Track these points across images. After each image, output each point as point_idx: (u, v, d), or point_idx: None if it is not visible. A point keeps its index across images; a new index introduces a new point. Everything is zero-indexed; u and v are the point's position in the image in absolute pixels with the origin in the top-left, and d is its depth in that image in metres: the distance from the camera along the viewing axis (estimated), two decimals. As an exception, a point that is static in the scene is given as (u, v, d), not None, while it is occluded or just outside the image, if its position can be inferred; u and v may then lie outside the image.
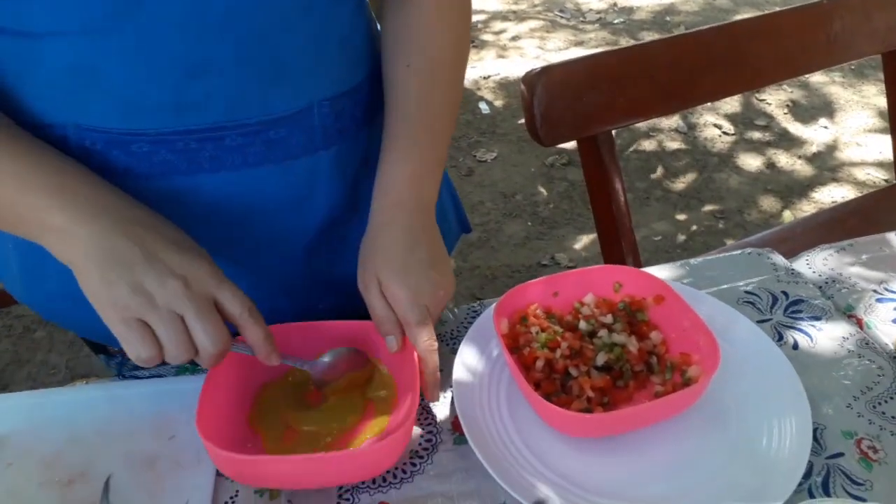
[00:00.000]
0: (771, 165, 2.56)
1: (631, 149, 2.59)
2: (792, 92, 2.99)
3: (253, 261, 0.73)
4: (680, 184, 2.46)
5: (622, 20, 3.67)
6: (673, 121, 2.77)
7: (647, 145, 2.64)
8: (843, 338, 0.70)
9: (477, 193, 2.37)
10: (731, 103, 2.89)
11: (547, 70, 1.13)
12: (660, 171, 2.52)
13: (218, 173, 0.65)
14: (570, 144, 2.58)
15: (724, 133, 2.73)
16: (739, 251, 0.83)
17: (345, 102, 0.70)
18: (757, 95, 2.95)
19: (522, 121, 2.76)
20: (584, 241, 2.19)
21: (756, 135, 2.73)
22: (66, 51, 0.58)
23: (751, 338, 0.68)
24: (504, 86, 3.03)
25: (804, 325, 0.72)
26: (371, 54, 0.74)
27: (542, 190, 2.41)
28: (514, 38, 3.47)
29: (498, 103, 2.91)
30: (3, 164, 0.56)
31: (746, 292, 0.76)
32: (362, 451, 0.55)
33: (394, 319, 0.63)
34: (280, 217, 0.70)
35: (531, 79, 1.12)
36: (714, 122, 2.78)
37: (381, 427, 0.62)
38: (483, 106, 2.87)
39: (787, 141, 2.70)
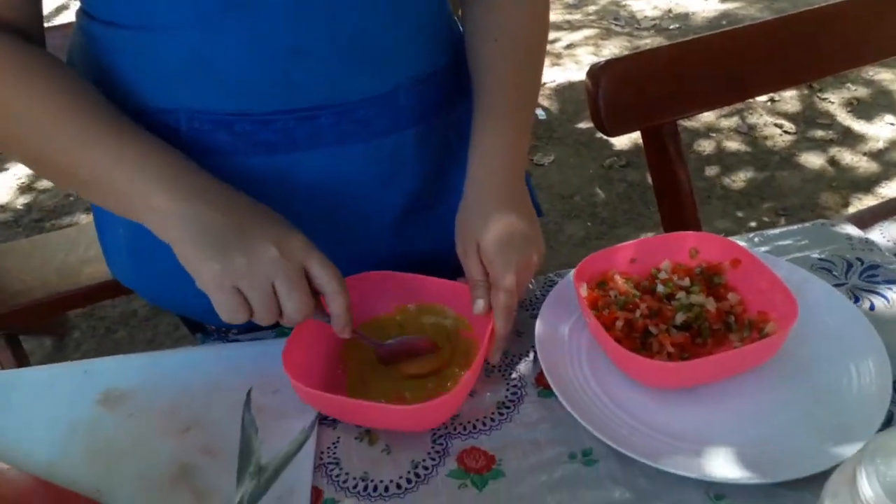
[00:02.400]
0: (834, 163, 2.52)
1: (690, 148, 2.58)
2: (856, 90, 2.93)
3: (342, 236, 0.77)
4: (741, 182, 2.44)
5: (677, 26, 3.66)
6: (732, 121, 2.75)
7: (707, 145, 2.63)
8: (922, 299, 0.71)
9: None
10: (792, 102, 2.85)
11: (611, 63, 1.16)
12: (720, 170, 2.50)
13: (313, 151, 0.70)
14: (629, 146, 2.59)
15: (786, 132, 2.69)
16: (811, 223, 0.84)
17: (427, 85, 0.74)
18: (819, 94, 2.90)
19: (579, 125, 2.79)
20: (644, 240, 2.19)
21: (819, 133, 2.68)
22: (181, 42, 0.65)
23: (827, 298, 0.69)
24: (559, 92, 3.05)
25: (881, 288, 0.73)
26: (451, 43, 0.79)
27: (601, 191, 2.43)
28: (569, 47, 3.50)
29: (554, 109, 2.93)
30: (110, 146, 0.62)
31: (820, 259, 0.78)
32: (412, 408, 0.59)
33: (486, 285, 0.66)
34: (369, 193, 0.75)
35: (596, 72, 1.15)
36: (774, 121, 2.75)
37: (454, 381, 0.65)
38: (539, 112, 2.90)
39: (851, 138, 2.65)
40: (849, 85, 2.96)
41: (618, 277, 0.71)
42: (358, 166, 0.73)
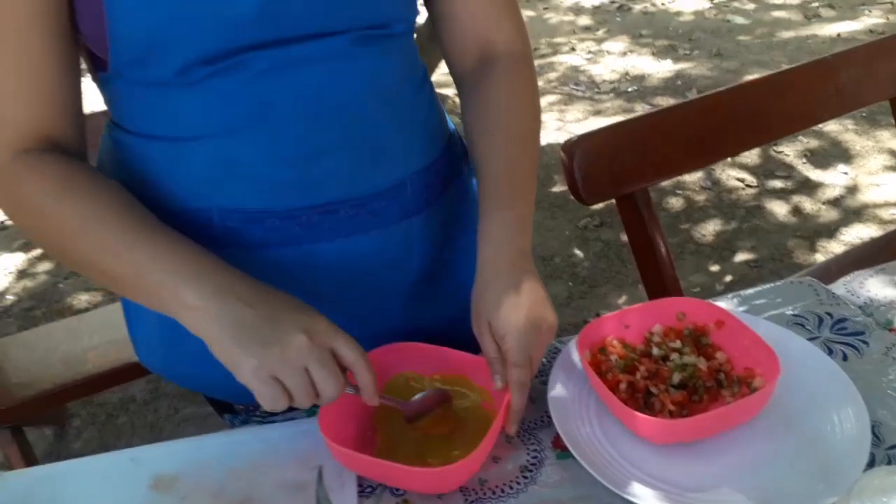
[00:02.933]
0: (797, 212, 2.66)
1: (660, 206, 2.71)
2: (808, 142, 3.11)
3: (359, 314, 0.84)
4: (710, 236, 2.56)
5: (635, 88, 3.85)
6: (696, 177, 2.90)
7: (675, 202, 2.76)
8: (887, 348, 0.79)
9: (517, 259, 2.49)
10: (751, 157, 3.01)
11: (584, 137, 1.26)
12: (690, 225, 2.63)
13: (334, 241, 0.78)
14: (601, 206, 2.70)
15: (748, 186, 2.84)
16: (782, 282, 0.93)
17: (429, 173, 0.83)
18: (774, 148, 3.07)
19: (553, 188, 2.91)
20: (626, 297, 2.28)
21: (778, 184, 2.84)
22: (210, 150, 0.73)
23: (805, 352, 0.77)
24: (531, 157, 3.18)
25: (850, 339, 0.81)
26: (444, 134, 0.88)
27: (579, 251, 2.53)
28: (535, 113, 3.65)
29: (527, 174, 3.05)
30: (142, 249, 0.68)
31: (794, 315, 0.86)
32: (427, 471, 0.67)
33: (501, 360, 0.72)
34: (382, 274, 0.82)
35: (570, 146, 1.25)
36: (736, 175, 2.91)
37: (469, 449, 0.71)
38: (513, 178, 3.02)
39: (809, 188, 2.80)
40: (801, 138, 3.14)
41: (616, 343, 0.79)
42: (372, 251, 0.80)
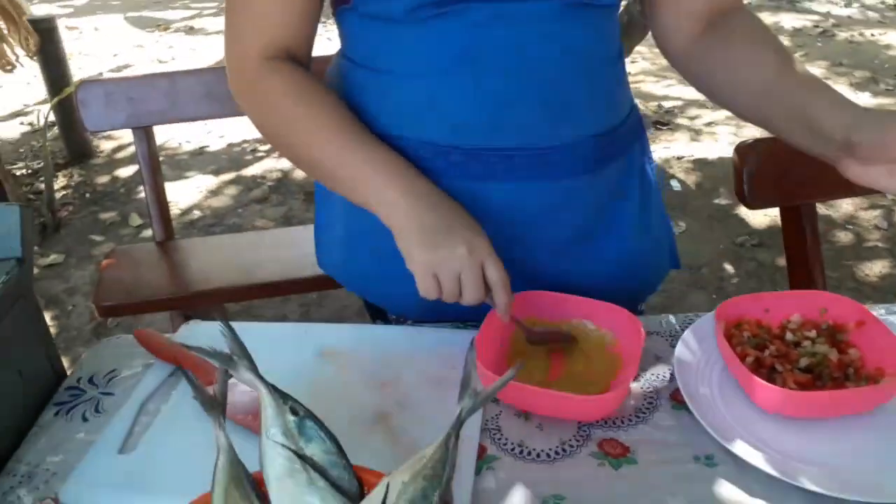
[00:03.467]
0: (982, 271, 2.45)
1: (825, 238, 2.59)
2: None
3: (511, 257, 0.92)
4: (874, 278, 2.42)
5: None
6: (872, 215, 2.73)
7: (843, 236, 2.63)
8: None
9: (662, 263, 2.48)
10: (940, 205, 2.80)
11: (760, 141, 1.26)
12: (854, 262, 2.49)
13: (505, 182, 0.86)
14: (763, 226, 2.63)
15: (931, 235, 2.65)
16: (939, 305, 0.91)
17: (603, 140, 0.90)
18: (971, 200, 2.83)
19: (715, 200, 2.85)
20: (768, 319, 2.22)
21: (967, 239, 2.62)
22: (417, 87, 0.84)
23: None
24: (697, 167, 3.13)
25: None
26: (625, 107, 0.94)
27: (729, 266, 2.48)
28: (709, 124, 3.57)
29: (690, 182, 3.01)
30: (358, 149, 0.82)
31: (944, 335, 0.85)
32: (578, 399, 0.73)
33: None
34: (541, 224, 0.90)
35: (745, 148, 1.25)
36: (919, 222, 2.71)
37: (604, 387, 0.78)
38: (674, 183, 2.99)
39: None
40: None
41: (751, 321, 0.82)
42: (537, 200, 0.89)
